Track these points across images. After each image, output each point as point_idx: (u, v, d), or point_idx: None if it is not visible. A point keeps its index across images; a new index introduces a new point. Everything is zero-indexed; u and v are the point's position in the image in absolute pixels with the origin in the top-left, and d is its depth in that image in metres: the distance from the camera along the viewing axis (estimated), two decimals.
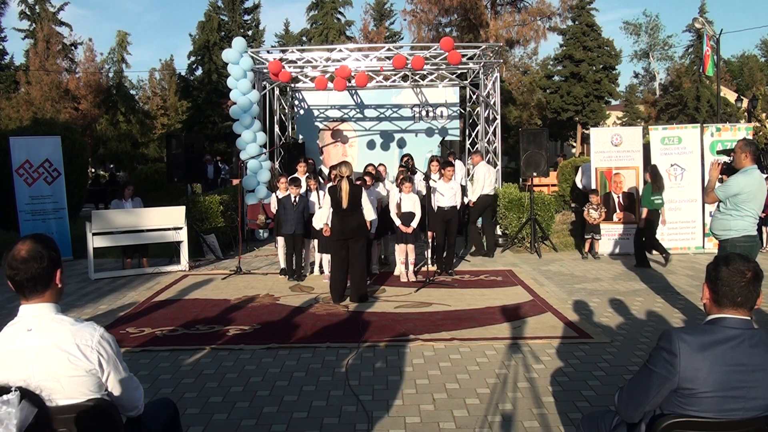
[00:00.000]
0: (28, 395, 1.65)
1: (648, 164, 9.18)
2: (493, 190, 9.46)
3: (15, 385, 1.93)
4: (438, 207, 7.73)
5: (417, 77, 12.99)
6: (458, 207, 7.98)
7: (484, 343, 4.96)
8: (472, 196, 9.20)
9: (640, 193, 8.74)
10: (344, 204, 6.35)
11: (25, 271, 2.00)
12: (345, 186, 6.37)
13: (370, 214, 6.66)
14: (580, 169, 10.58)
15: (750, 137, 9.41)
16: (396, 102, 13.50)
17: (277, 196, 7.90)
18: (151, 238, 8.30)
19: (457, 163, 10.14)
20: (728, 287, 2.03)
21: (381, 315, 5.92)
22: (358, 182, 7.08)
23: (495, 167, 10.95)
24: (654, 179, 8.20)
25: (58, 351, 1.97)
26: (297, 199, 7.53)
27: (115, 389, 2.12)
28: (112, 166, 32.99)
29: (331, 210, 6.50)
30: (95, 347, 2.02)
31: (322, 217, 6.91)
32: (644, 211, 8.15)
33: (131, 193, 8.71)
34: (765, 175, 4.90)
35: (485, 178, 9.12)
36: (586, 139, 25.96)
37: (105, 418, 2.04)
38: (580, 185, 10.35)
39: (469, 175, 12.94)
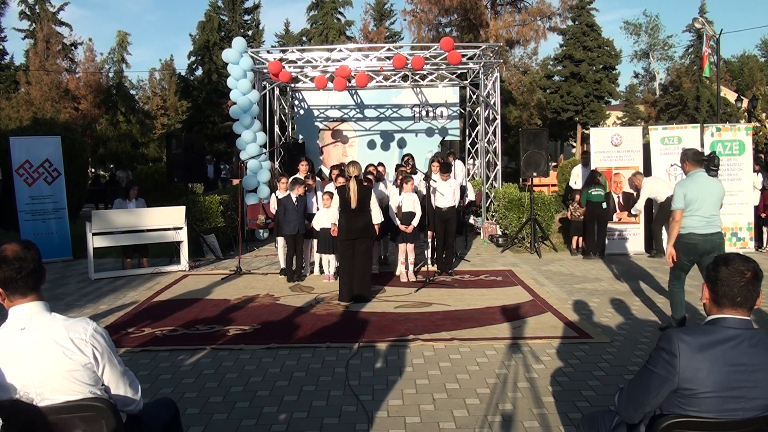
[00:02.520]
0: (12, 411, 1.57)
1: (648, 164, 9.27)
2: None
3: (14, 390, 1.94)
4: (436, 207, 7.73)
5: (417, 77, 12.99)
6: (456, 207, 7.97)
7: (484, 343, 4.96)
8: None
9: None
10: (353, 204, 6.34)
11: (26, 267, 2.02)
12: (353, 186, 6.36)
13: (377, 216, 6.65)
14: (574, 171, 10.62)
15: (750, 137, 9.46)
16: (396, 102, 13.51)
17: (277, 197, 7.89)
18: (151, 238, 8.30)
19: (458, 163, 10.13)
20: (728, 287, 2.02)
21: (381, 315, 5.92)
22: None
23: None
24: (591, 178, 9.14)
25: (53, 346, 1.99)
26: (297, 199, 7.53)
27: (112, 383, 2.13)
28: (111, 166, 32.98)
29: (339, 209, 6.50)
30: (89, 340, 2.04)
31: (330, 217, 6.90)
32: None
33: (136, 194, 8.69)
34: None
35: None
36: (586, 139, 25.97)
37: (104, 416, 2.04)
38: (575, 187, 10.37)
39: (469, 174, 12.97)
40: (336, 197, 6.52)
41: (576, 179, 10.40)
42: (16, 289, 2.03)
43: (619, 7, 77.05)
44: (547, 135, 9.93)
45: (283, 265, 7.88)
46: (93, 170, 29.79)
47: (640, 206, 8.66)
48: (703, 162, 5.29)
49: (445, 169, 7.90)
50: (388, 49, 11.33)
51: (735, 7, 72.34)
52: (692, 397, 1.97)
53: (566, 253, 9.54)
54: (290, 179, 7.76)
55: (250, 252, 9.88)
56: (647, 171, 9.44)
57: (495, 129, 11.13)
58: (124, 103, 32.70)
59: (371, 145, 13.59)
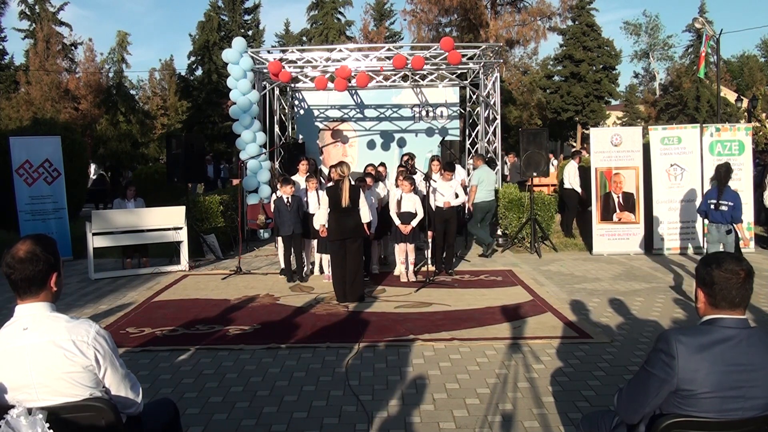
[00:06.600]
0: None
1: (648, 164, 9.30)
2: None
3: (14, 390, 1.94)
4: (436, 207, 7.73)
5: (417, 77, 12.99)
6: (456, 207, 7.95)
7: (484, 343, 4.97)
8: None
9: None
10: (344, 203, 6.35)
11: (20, 270, 2.01)
12: (346, 185, 6.38)
13: (366, 215, 6.66)
14: (567, 169, 10.67)
15: (750, 137, 9.48)
16: (396, 102, 13.49)
17: (276, 196, 7.89)
18: (151, 238, 8.30)
19: (457, 167, 10.03)
20: (726, 290, 2.01)
21: (381, 315, 5.93)
22: (361, 183, 7.10)
23: (494, 168, 10.89)
24: None
25: (54, 348, 1.98)
26: (290, 199, 7.52)
27: (113, 386, 2.12)
28: (108, 164, 32.92)
29: (329, 210, 6.51)
30: (91, 343, 2.03)
31: (320, 218, 6.91)
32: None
33: (134, 194, 8.70)
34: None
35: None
36: (586, 139, 25.96)
37: (105, 417, 2.04)
38: (568, 186, 10.40)
39: (469, 174, 12.96)
40: (325, 198, 6.53)
41: (571, 178, 10.41)
42: (20, 288, 2.03)
43: (619, 7, 77.24)
44: (547, 135, 9.92)
45: (283, 266, 7.88)
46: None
47: None
48: (487, 160, 9.76)
49: (449, 168, 7.89)
50: (388, 49, 11.33)
51: (735, 7, 72.51)
52: (691, 397, 1.97)
53: (567, 252, 9.54)
54: (282, 179, 7.72)
55: (250, 252, 9.88)
56: (647, 171, 9.44)
57: (495, 129, 11.14)
58: (124, 103, 32.64)
59: (371, 145, 13.59)
